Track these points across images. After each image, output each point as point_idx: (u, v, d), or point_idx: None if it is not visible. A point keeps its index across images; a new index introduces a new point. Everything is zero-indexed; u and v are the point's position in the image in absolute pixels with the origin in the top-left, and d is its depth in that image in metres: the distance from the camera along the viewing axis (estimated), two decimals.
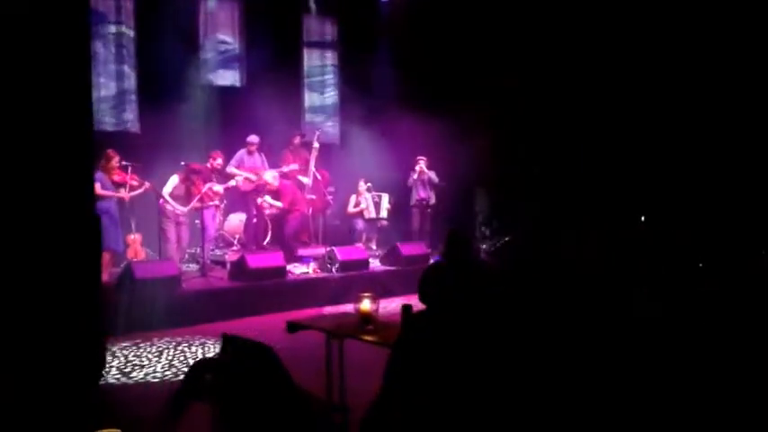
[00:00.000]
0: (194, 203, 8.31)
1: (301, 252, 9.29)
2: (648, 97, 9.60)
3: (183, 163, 8.43)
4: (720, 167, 8.96)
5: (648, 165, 9.49)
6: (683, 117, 9.33)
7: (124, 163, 7.92)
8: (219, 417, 2.99)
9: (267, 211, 9.75)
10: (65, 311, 4.19)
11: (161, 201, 8.32)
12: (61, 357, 4.10)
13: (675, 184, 9.20)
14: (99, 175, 7.35)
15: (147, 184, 8.14)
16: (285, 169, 9.52)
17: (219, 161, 8.81)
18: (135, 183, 8.04)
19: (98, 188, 7.09)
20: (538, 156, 10.58)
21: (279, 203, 9.35)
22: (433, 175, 10.59)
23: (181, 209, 8.36)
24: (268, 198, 9.38)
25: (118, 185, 7.88)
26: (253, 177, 9.21)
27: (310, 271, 8.54)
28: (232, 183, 8.96)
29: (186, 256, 9.11)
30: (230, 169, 9.10)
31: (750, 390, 2.34)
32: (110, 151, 7.72)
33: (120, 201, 7.91)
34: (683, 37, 9.25)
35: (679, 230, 7.29)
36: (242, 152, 9.25)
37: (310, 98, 11.77)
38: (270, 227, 9.85)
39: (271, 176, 9.36)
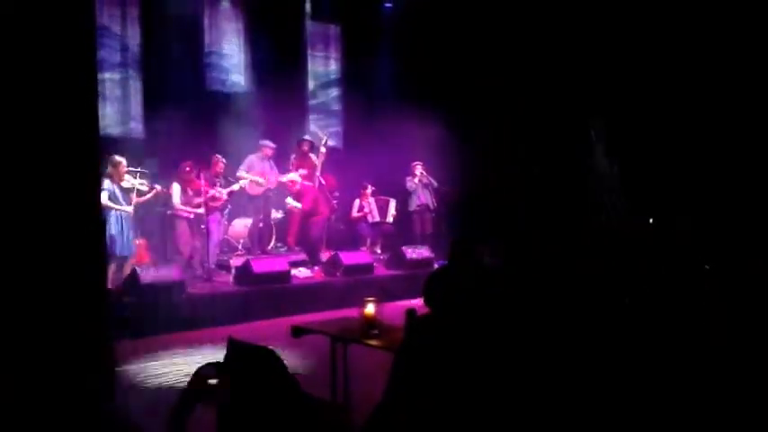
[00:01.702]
0: (201, 198, 8.25)
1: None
2: (652, 99, 9.58)
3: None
4: (724, 168, 8.94)
5: (653, 165, 9.47)
6: (687, 120, 9.31)
7: (132, 169, 7.69)
8: (224, 421, 3.00)
9: (272, 216, 9.78)
10: (70, 317, 4.20)
11: (174, 211, 8.22)
12: (68, 364, 4.11)
13: (681, 186, 9.18)
14: (107, 184, 7.21)
15: (157, 188, 7.99)
16: (296, 174, 9.52)
17: (220, 165, 8.80)
18: (145, 188, 7.78)
19: (104, 198, 6.96)
20: (538, 156, 10.54)
21: (298, 204, 9.42)
22: (431, 179, 10.56)
23: (195, 210, 8.30)
24: (290, 200, 9.46)
25: (128, 191, 7.60)
26: (261, 181, 9.18)
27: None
28: (236, 186, 8.85)
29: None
30: (241, 173, 9.04)
31: (750, 391, 2.35)
32: (116, 156, 7.47)
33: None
34: (686, 37, 9.24)
35: (685, 232, 7.28)
36: (252, 157, 9.18)
37: (314, 102, 11.79)
38: (274, 231, 9.86)
39: (295, 178, 9.42)
